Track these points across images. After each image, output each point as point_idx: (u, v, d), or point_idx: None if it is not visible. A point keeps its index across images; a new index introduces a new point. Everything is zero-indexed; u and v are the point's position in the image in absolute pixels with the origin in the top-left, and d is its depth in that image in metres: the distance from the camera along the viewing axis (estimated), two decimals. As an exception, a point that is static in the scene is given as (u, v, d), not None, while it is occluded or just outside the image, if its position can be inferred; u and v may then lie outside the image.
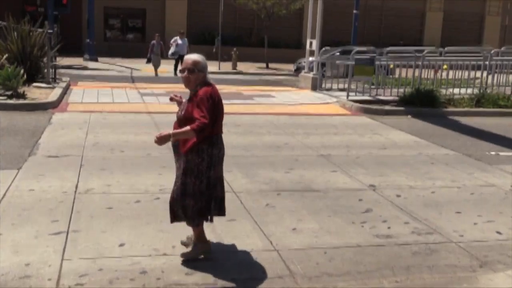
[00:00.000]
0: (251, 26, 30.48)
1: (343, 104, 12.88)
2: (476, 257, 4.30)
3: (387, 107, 12.45)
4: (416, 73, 13.98)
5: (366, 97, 13.36)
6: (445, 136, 9.66)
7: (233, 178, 6.12)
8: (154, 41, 19.58)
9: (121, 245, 4.20)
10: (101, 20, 29.28)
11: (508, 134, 10.08)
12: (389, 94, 13.53)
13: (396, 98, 13.10)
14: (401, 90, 13.48)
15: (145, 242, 4.26)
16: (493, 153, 8.32)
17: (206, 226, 4.09)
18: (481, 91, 13.72)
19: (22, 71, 11.66)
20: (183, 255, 3.98)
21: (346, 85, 13.66)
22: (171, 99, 4.11)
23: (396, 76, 14.79)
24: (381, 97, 13.38)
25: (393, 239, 4.61)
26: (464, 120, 11.50)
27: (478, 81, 14.44)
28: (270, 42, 27.07)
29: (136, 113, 10.62)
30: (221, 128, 3.92)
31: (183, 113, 3.85)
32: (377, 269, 4.01)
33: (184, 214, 3.91)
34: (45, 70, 13.71)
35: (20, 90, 11.21)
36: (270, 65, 26.10)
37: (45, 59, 13.76)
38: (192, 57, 3.90)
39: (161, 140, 3.75)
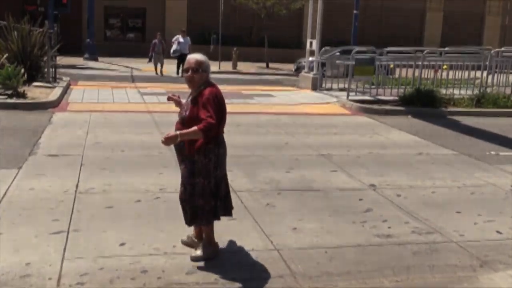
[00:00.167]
0: (251, 26, 30.48)
1: (343, 104, 12.88)
2: (477, 257, 4.30)
3: (387, 107, 12.45)
4: (416, 73, 13.99)
5: (366, 97, 13.36)
6: (445, 136, 9.66)
7: (233, 177, 6.10)
8: (156, 40, 19.54)
9: (122, 244, 4.20)
10: (101, 19, 29.28)
11: (508, 134, 10.08)
12: (389, 94, 13.53)
13: (396, 98, 13.10)
14: (401, 90, 13.48)
15: (145, 242, 4.26)
16: (493, 153, 8.32)
17: (207, 225, 4.09)
18: (481, 91, 13.73)
19: (22, 70, 11.66)
20: (193, 258, 3.97)
21: (346, 85, 13.66)
22: (169, 99, 4.09)
23: (396, 76, 14.79)
24: (381, 97, 13.38)
25: (393, 238, 4.61)
26: (464, 120, 11.50)
27: (478, 81, 14.44)
28: (270, 42, 27.07)
29: (137, 112, 10.63)
30: (223, 128, 3.93)
31: (187, 113, 3.82)
32: (378, 269, 4.01)
33: (195, 215, 3.90)
34: (45, 70, 13.72)
35: (20, 89, 11.21)
36: (270, 64, 26.10)
37: (45, 59, 13.77)
38: (195, 56, 3.89)
39: (168, 140, 3.71)
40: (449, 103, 13.02)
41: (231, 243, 4.30)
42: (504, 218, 5.24)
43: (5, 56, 12.68)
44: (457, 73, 14.68)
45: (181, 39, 19.37)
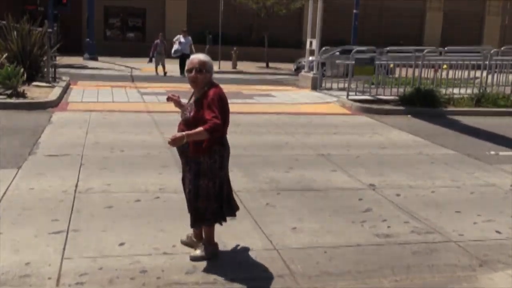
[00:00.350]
0: (251, 26, 30.49)
1: (343, 103, 12.88)
2: (476, 256, 4.30)
3: (387, 107, 12.45)
4: (416, 73, 13.98)
5: (366, 97, 13.36)
6: (445, 136, 9.67)
7: (233, 177, 6.04)
8: (158, 40, 19.46)
9: (121, 244, 4.20)
10: (101, 19, 29.31)
11: (507, 133, 10.08)
12: (389, 93, 13.53)
13: (396, 97, 13.10)
14: (401, 89, 13.48)
15: (145, 241, 4.26)
16: (493, 152, 8.32)
17: (206, 225, 4.09)
18: (481, 90, 13.73)
19: (22, 70, 11.66)
20: (193, 258, 3.97)
21: (346, 85, 13.66)
22: (169, 99, 4.06)
23: (396, 75, 14.80)
24: (381, 97, 13.38)
25: (393, 238, 4.61)
26: (464, 120, 11.50)
27: (478, 80, 14.44)
28: (270, 42, 27.09)
29: (136, 112, 10.63)
30: (227, 129, 3.93)
31: (191, 114, 3.80)
32: (377, 269, 4.01)
33: (199, 217, 3.89)
34: (45, 69, 13.71)
35: (20, 89, 11.21)
36: (270, 64, 26.11)
37: (45, 58, 13.76)
38: (199, 57, 3.88)
39: (175, 141, 3.66)
40: (449, 103, 13.03)
41: (231, 243, 4.30)
42: (504, 218, 5.24)
43: (4, 55, 12.68)
44: (457, 72, 14.69)
45: (182, 39, 19.25)
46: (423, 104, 12.34)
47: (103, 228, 4.52)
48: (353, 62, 13.37)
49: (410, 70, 14.36)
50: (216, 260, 3.98)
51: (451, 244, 4.54)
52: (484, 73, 14.51)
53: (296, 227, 4.75)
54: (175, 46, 19.28)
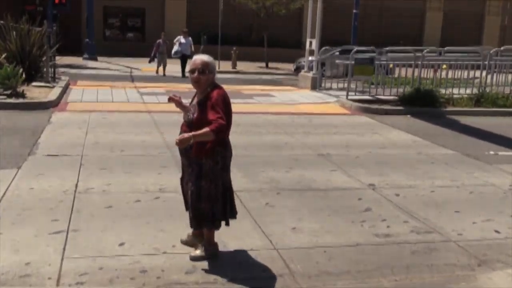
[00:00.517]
0: (251, 26, 30.49)
1: (343, 103, 12.89)
2: (475, 256, 4.31)
3: (386, 107, 12.46)
4: (416, 73, 13.99)
5: (365, 97, 13.36)
6: (444, 136, 9.67)
7: (233, 177, 6.03)
8: (160, 40, 19.37)
9: (121, 244, 4.21)
10: (100, 19, 29.29)
11: (507, 133, 10.09)
12: (389, 93, 13.53)
13: (396, 97, 13.11)
14: (401, 89, 13.49)
15: (145, 241, 4.27)
16: (492, 152, 8.33)
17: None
18: (481, 90, 13.74)
19: (21, 70, 11.67)
20: (193, 258, 3.97)
21: (346, 85, 13.67)
22: (170, 100, 4.03)
23: (396, 75, 14.80)
24: (381, 97, 13.38)
25: (392, 238, 4.62)
26: (464, 120, 11.51)
27: (477, 80, 14.45)
28: (270, 42, 27.08)
29: (136, 112, 10.63)
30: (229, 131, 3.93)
31: (195, 115, 3.79)
32: (377, 268, 4.02)
33: (201, 218, 3.89)
34: (45, 69, 13.71)
35: (19, 89, 11.21)
36: (270, 64, 26.11)
37: (44, 58, 13.76)
38: (201, 57, 3.87)
39: (183, 142, 3.65)
40: (449, 103, 13.04)
41: (231, 243, 4.30)
42: (503, 218, 5.25)
43: (4, 56, 12.69)
44: (456, 72, 14.70)
45: (182, 40, 19.12)
46: (422, 104, 12.35)
47: (103, 228, 4.53)
48: (353, 62, 13.37)
49: (410, 70, 14.37)
50: (216, 260, 3.99)
51: (450, 244, 4.54)
52: (484, 73, 14.52)
53: (296, 227, 4.76)
54: (175, 47, 19.19)
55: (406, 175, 6.72)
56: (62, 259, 3.90)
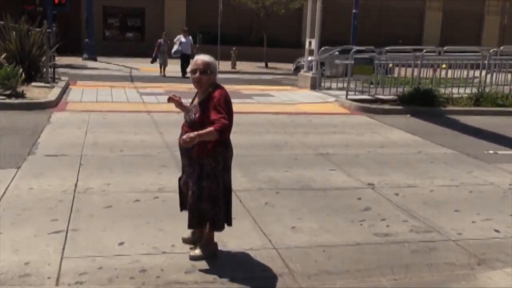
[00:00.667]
0: (251, 25, 30.49)
1: (342, 103, 12.89)
2: (474, 255, 4.31)
3: (386, 106, 12.46)
4: (415, 72, 14.00)
5: (365, 96, 13.37)
6: (444, 135, 9.68)
7: (232, 177, 6.07)
8: (161, 40, 19.29)
9: (121, 243, 4.21)
10: (100, 19, 29.29)
11: (506, 133, 10.10)
12: (388, 93, 13.54)
13: (395, 97, 13.11)
14: (400, 89, 13.49)
15: (144, 241, 4.27)
16: (491, 151, 8.34)
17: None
18: (480, 90, 13.75)
19: (21, 70, 11.66)
20: (192, 257, 3.97)
21: (345, 84, 13.68)
22: (170, 100, 4.03)
23: (395, 75, 14.81)
24: (380, 96, 13.39)
25: (391, 237, 4.62)
26: (463, 119, 11.52)
27: (477, 80, 14.45)
28: (270, 41, 27.09)
29: (135, 112, 10.63)
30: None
31: (197, 115, 3.79)
32: (376, 267, 4.02)
33: (202, 219, 3.88)
34: (44, 70, 13.70)
35: (19, 89, 11.21)
36: (269, 64, 26.12)
37: (44, 59, 13.76)
38: (203, 58, 3.87)
39: (189, 141, 3.62)
40: (448, 102, 13.05)
41: (230, 242, 4.30)
42: (502, 217, 5.25)
43: (3, 56, 12.69)
44: (456, 72, 14.70)
45: (182, 39, 18.95)
46: (422, 103, 12.36)
47: (102, 227, 4.53)
48: (352, 61, 13.38)
49: (409, 70, 14.38)
50: (216, 260, 3.99)
51: (449, 243, 4.55)
52: (483, 73, 14.53)
53: (295, 227, 4.76)
54: (175, 47, 19.07)
55: (405, 174, 6.73)
56: (61, 259, 3.90)
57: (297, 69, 20.87)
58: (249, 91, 14.94)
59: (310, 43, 16.32)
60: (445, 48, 15.69)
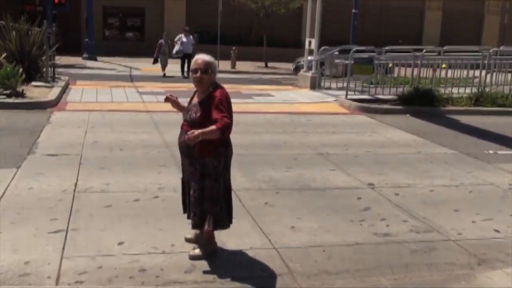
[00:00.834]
0: (250, 25, 30.48)
1: (342, 103, 12.89)
2: (474, 255, 4.31)
3: (386, 106, 12.46)
4: (415, 72, 14.00)
5: (365, 96, 13.37)
6: (443, 135, 9.68)
7: (232, 177, 6.04)
8: (162, 40, 19.22)
9: (120, 243, 4.21)
10: (100, 19, 29.26)
11: (506, 132, 10.10)
12: (388, 93, 13.54)
13: (395, 97, 13.11)
14: (400, 89, 13.49)
15: (144, 240, 4.27)
16: (491, 151, 8.34)
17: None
18: (480, 90, 13.75)
19: (20, 70, 11.65)
20: (192, 257, 3.97)
21: (345, 84, 13.67)
22: (167, 100, 4.04)
23: (395, 75, 14.81)
24: (380, 96, 13.39)
25: (391, 237, 4.62)
26: (463, 119, 11.52)
27: (476, 80, 14.45)
28: (269, 41, 27.07)
29: (135, 112, 10.63)
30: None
31: (198, 114, 3.79)
32: (376, 267, 4.02)
33: (203, 218, 3.88)
34: (44, 69, 13.70)
35: (19, 89, 11.21)
36: (269, 64, 26.10)
37: (44, 58, 13.75)
38: (203, 57, 3.87)
39: (194, 139, 3.60)
40: (448, 102, 13.04)
41: (230, 242, 4.30)
42: (502, 217, 5.25)
43: (3, 55, 12.68)
44: (455, 72, 14.70)
45: (184, 39, 18.86)
46: (422, 103, 12.35)
47: (102, 227, 4.53)
48: (352, 61, 13.37)
49: (409, 70, 14.37)
50: (215, 259, 3.99)
51: (449, 243, 4.55)
52: (483, 73, 14.52)
53: (295, 226, 4.76)
54: (177, 47, 18.99)
55: (405, 174, 6.73)
56: (61, 258, 3.90)
57: (297, 69, 20.87)
58: (249, 91, 14.94)
59: (310, 42, 16.32)
60: (445, 48, 15.69)
